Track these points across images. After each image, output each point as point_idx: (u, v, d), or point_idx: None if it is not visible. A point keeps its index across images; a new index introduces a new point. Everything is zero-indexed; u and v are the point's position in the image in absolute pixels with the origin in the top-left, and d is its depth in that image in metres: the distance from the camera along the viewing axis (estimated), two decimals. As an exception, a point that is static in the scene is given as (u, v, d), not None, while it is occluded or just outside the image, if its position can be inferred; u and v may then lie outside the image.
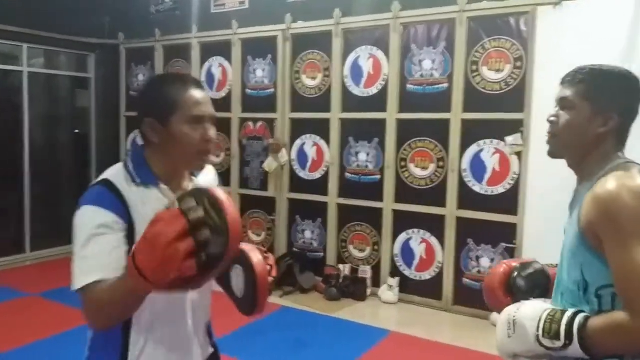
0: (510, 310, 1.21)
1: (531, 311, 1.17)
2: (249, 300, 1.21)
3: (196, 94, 1.29)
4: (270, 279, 1.23)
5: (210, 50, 5.29)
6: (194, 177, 1.42)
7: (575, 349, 1.08)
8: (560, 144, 1.28)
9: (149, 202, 1.24)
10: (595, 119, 1.22)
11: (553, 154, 1.31)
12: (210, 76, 5.30)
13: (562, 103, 1.27)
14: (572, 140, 1.25)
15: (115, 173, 1.28)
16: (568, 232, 1.27)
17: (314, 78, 4.71)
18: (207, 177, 1.46)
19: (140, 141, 1.35)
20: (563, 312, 1.13)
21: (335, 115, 4.57)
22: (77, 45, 5.75)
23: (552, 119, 1.28)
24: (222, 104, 5.20)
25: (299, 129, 4.82)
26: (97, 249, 1.16)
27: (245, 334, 3.56)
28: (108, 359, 1.27)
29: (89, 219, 1.19)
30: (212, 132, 1.31)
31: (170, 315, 1.31)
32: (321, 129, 4.67)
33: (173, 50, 5.56)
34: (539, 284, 1.44)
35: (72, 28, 5.56)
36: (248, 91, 5.08)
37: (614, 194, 1.11)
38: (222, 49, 5.18)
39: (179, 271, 0.91)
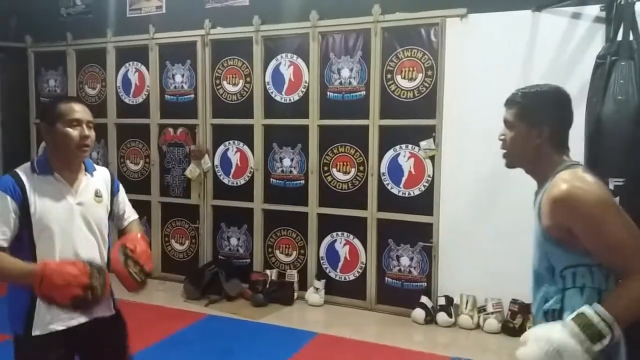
0: (543, 345, 1.26)
1: (561, 333, 1.25)
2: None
3: (75, 105, 1.83)
4: (135, 268, 1.80)
5: (126, 55, 5.13)
6: (87, 173, 1.91)
7: (617, 334, 1.24)
8: (512, 157, 1.57)
9: (44, 186, 1.79)
10: (530, 133, 1.49)
11: (508, 165, 1.59)
12: (126, 81, 5.15)
13: (505, 124, 1.56)
14: (517, 153, 1.54)
15: (23, 166, 1.83)
16: (534, 227, 1.52)
17: (235, 84, 4.71)
18: (103, 174, 1.99)
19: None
20: (580, 316, 1.27)
21: (259, 121, 4.59)
22: (-21, 48, 5.37)
23: (501, 137, 1.57)
24: (140, 110, 5.08)
25: (221, 135, 4.80)
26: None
27: (168, 346, 3.51)
28: (20, 305, 1.79)
29: None
30: (88, 132, 1.82)
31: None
32: (244, 135, 4.68)
33: (86, 55, 5.33)
34: None
35: (-28, 30, 5.19)
36: (167, 97, 4.98)
37: (569, 192, 1.36)
38: (139, 54, 5.05)
39: (61, 298, 1.60)
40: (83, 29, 5.29)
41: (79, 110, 1.82)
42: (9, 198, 1.72)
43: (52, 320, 1.79)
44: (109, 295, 1.84)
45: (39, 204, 1.76)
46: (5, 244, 1.70)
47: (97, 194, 1.92)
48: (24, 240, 1.75)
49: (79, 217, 1.84)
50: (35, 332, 1.77)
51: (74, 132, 1.79)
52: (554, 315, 1.41)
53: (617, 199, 2.69)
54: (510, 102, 1.55)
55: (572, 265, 1.40)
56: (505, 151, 1.57)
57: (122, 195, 2.08)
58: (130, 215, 2.12)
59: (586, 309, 1.27)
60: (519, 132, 1.51)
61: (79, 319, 1.82)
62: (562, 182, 1.38)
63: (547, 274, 1.46)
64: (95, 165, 1.98)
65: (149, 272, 1.83)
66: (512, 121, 1.52)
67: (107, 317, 1.92)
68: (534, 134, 1.48)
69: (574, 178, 1.39)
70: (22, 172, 1.80)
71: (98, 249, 1.89)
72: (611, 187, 2.72)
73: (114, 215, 2.03)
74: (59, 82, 5.51)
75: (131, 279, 1.78)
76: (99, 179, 1.96)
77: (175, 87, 4.95)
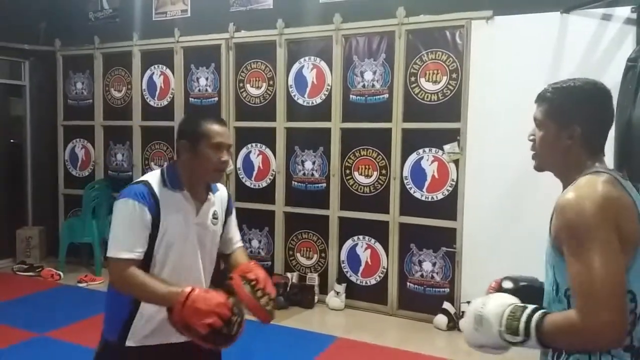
0: (477, 305, 1.28)
1: (495, 307, 1.24)
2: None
3: (220, 128, 1.75)
4: (264, 299, 1.70)
5: (151, 59, 5.21)
6: (211, 193, 1.84)
7: (533, 343, 1.18)
8: (541, 159, 1.40)
9: (173, 201, 1.73)
10: (561, 133, 1.32)
11: (537, 168, 1.42)
12: (152, 84, 5.22)
13: (535, 122, 1.39)
14: (547, 155, 1.37)
15: (152, 176, 1.76)
16: (547, 237, 1.36)
17: (258, 87, 4.73)
18: (222, 193, 1.92)
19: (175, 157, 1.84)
20: (524, 308, 1.21)
21: (281, 124, 4.60)
22: (10, 51, 5.51)
23: (531, 137, 1.41)
24: (165, 113, 5.13)
25: (244, 137, 4.82)
26: (128, 233, 1.66)
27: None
28: (120, 313, 1.74)
29: (126, 207, 1.67)
30: (228, 157, 1.77)
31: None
32: (267, 137, 4.69)
33: (113, 58, 5.43)
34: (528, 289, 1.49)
35: (4, 33, 5.33)
36: (191, 99, 5.03)
37: (572, 202, 1.20)
38: (164, 57, 5.11)
39: (200, 325, 1.50)
40: (110, 32, 5.38)
41: (224, 134, 1.76)
42: (146, 209, 1.66)
43: (150, 335, 1.74)
44: (237, 338, 1.65)
45: (167, 219, 1.70)
46: (140, 257, 1.65)
47: (214, 216, 1.85)
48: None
49: (195, 238, 1.78)
50: (129, 342, 1.73)
51: (215, 156, 1.72)
52: None
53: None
54: (540, 99, 1.38)
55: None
56: (534, 152, 1.41)
57: (234, 216, 1.98)
58: (238, 240, 2.00)
59: (530, 308, 1.21)
60: (549, 132, 1.34)
61: (178, 338, 1.68)
62: (573, 189, 1.24)
63: (552, 291, 1.30)
64: (217, 185, 1.91)
65: (274, 298, 1.75)
66: (542, 119, 1.36)
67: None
68: (565, 135, 1.31)
69: (586, 186, 1.23)
70: (153, 182, 1.73)
71: (203, 273, 1.83)
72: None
73: (223, 237, 1.92)
74: (86, 84, 5.61)
75: (264, 311, 1.70)
76: (218, 199, 1.88)
77: (199, 90, 4.99)
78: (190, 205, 1.77)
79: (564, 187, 1.36)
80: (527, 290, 1.44)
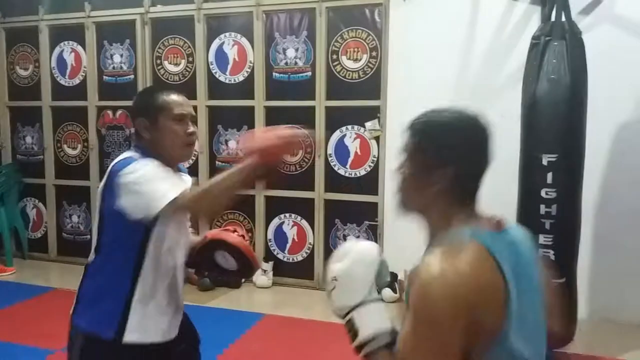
0: (341, 254, 1.20)
1: (346, 274, 1.15)
2: (246, 265, 1.73)
3: (177, 97, 1.62)
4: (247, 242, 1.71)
5: (61, 35, 4.88)
6: (181, 173, 1.72)
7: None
8: (404, 200, 1.17)
9: None
10: (430, 174, 1.09)
11: (401, 209, 1.19)
12: (62, 62, 4.90)
13: (405, 153, 1.15)
14: (413, 196, 1.15)
15: (132, 155, 1.57)
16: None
17: (177, 64, 4.58)
18: (186, 178, 1.78)
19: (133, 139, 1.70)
20: (375, 304, 1.11)
21: (202, 102, 4.49)
22: None
23: (400, 170, 1.16)
24: (77, 92, 4.86)
25: (164, 117, 4.66)
26: (167, 175, 1.51)
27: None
28: (113, 303, 1.56)
29: (143, 165, 1.50)
30: (193, 128, 1.63)
31: (168, 277, 1.65)
32: (188, 117, 4.56)
33: (17, 33, 5.04)
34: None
35: None
36: (105, 78, 4.79)
37: (423, 282, 1.00)
38: (75, 33, 4.81)
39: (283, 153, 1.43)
40: (12, 5, 4.98)
41: (184, 104, 1.63)
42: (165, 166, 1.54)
43: (150, 329, 1.59)
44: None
45: None
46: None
47: None
48: (140, 230, 1.54)
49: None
50: (128, 338, 1.55)
51: (181, 129, 1.59)
52: None
53: (550, 173, 2.84)
54: (411, 129, 1.14)
55: None
56: (398, 190, 1.17)
57: None
58: None
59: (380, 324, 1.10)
60: (416, 170, 1.11)
61: (172, 334, 1.65)
62: (431, 261, 1.02)
63: None
64: (182, 167, 1.79)
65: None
66: (410, 153, 1.13)
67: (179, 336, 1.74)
68: (435, 176, 1.08)
69: (445, 261, 1.00)
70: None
71: (182, 257, 1.73)
72: (545, 162, 2.84)
73: None
74: (-12, 62, 5.18)
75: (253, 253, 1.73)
76: (187, 182, 1.75)
77: (114, 67, 4.75)
78: None
79: (427, 238, 1.17)
80: None
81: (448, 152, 1.08)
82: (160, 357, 1.65)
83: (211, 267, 1.78)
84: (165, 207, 1.43)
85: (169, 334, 1.67)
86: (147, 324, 1.59)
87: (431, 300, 0.97)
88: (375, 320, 1.10)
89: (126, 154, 1.59)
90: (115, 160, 1.58)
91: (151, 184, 1.47)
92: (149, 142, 1.61)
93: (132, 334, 1.56)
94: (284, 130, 1.42)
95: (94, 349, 1.56)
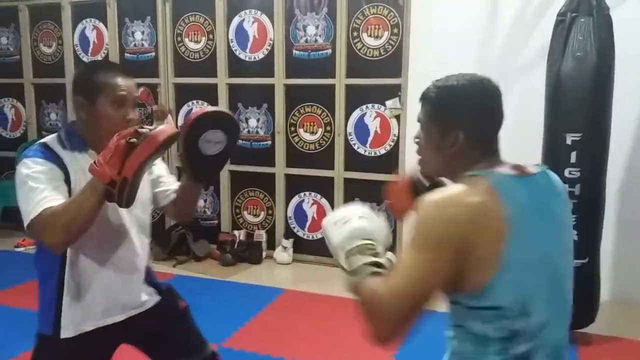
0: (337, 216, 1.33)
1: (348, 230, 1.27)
2: (232, 126, 1.62)
3: (120, 79, 1.49)
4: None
5: (83, 12, 4.92)
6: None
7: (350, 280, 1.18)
8: (426, 165, 1.26)
9: (77, 163, 1.47)
10: (443, 139, 1.16)
11: (423, 174, 1.32)
12: (84, 39, 4.95)
13: (419, 123, 1.24)
14: (432, 161, 1.23)
15: (48, 139, 1.51)
16: None
17: (197, 41, 4.58)
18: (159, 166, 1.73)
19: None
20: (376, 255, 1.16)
21: (223, 80, 4.50)
22: None
23: (416, 140, 1.26)
24: (100, 70, 4.89)
25: (184, 94, 4.70)
26: (41, 187, 1.38)
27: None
28: (47, 295, 1.52)
29: (28, 167, 1.41)
30: (133, 114, 1.52)
31: (103, 259, 1.55)
32: (208, 94, 4.58)
33: (40, 11, 5.09)
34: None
35: None
36: (127, 55, 4.82)
37: (423, 202, 1.08)
38: (97, 11, 4.84)
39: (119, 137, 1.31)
40: (35, -17, 5.03)
41: (128, 86, 1.50)
42: (55, 166, 1.43)
43: (84, 319, 1.53)
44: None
45: (76, 181, 1.45)
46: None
47: None
48: None
49: None
50: (65, 333, 1.51)
51: (117, 114, 1.47)
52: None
53: (574, 153, 2.80)
54: (423, 98, 1.21)
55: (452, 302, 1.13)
56: (419, 156, 1.26)
57: (161, 167, 1.85)
58: (174, 190, 1.82)
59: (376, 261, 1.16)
60: (431, 137, 1.19)
61: (114, 317, 1.58)
62: (435, 192, 1.10)
63: None
64: None
65: None
66: (424, 122, 1.21)
67: (147, 310, 1.68)
68: (448, 142, 1.15)
69: (445, 191, 1.09)
70: (51, 144, 1.49)
71: (135, 238, 1.63)
72: (569, 141, 2.80)
73: (155, 194, 1.78)
74: (12, 40, 5.25)
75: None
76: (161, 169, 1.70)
77: (135, 45, 4.78)
78: None
79: None
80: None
81: (458, 114, 1.15)
82: (117, 336, 1.62)
83: (205, 163, 1.59)
84: (34, 220, 1.35)
85: (111, 314, 1.59)
86: (81, 313, 1.53)
87: (424, 219, 1.06)
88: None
89: (37, 144, 1.51)
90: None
91: (27, 193, 1.39)
92: (85, 122, 1.50)
93: (68, 330, 1.52)
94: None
95: (41, 345, 1.57)
